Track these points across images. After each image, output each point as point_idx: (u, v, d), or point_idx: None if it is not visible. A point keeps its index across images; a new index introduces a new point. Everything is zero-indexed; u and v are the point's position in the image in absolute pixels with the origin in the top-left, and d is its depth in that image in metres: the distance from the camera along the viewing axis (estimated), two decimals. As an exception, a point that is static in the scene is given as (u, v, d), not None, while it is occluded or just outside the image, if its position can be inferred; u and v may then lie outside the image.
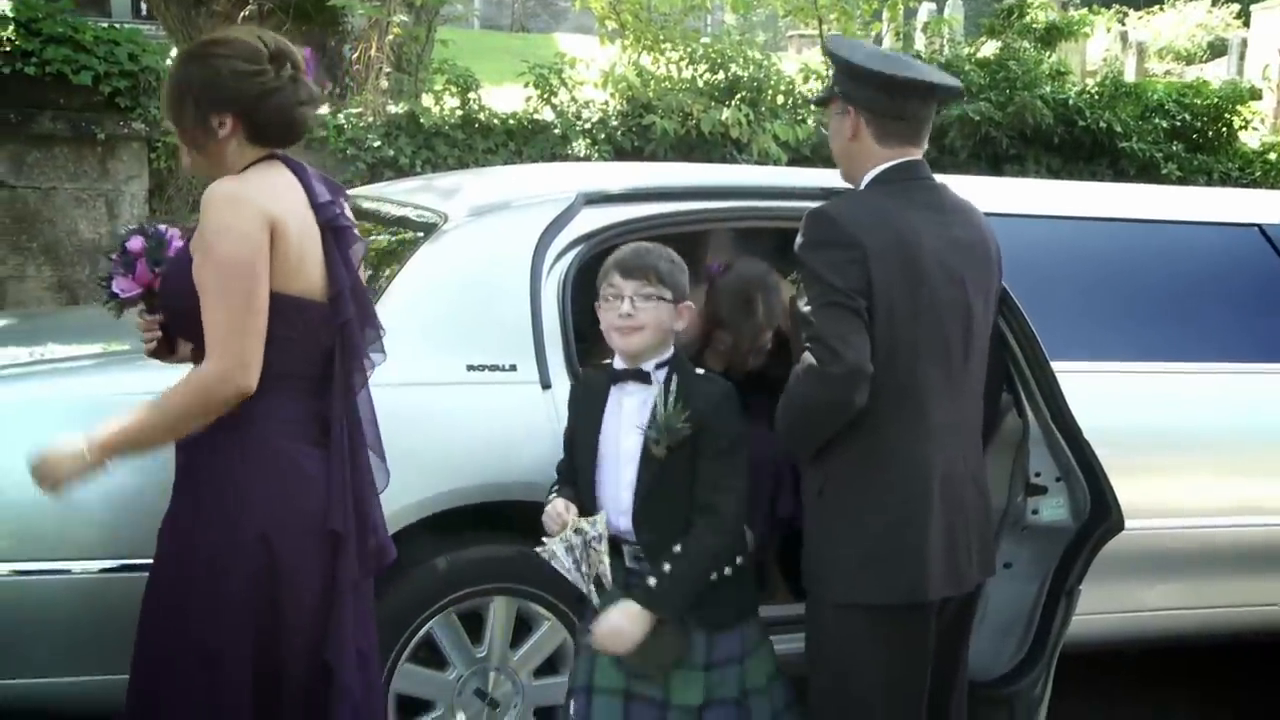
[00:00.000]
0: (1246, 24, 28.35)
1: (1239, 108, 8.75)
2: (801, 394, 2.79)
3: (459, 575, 3.42)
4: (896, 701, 2.94)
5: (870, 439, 2.84)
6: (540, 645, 3.54)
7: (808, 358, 2.76)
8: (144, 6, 18.06)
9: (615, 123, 7.69)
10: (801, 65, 8.56)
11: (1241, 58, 22.74)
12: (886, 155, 2.96)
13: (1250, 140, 8.96)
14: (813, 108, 7.92)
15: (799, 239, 2.88)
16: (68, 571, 3.13)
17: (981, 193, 3.91)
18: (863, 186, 3.01)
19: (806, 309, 2.79)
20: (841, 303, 2.74)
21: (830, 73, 4.05)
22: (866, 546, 2.87)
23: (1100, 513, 3.60)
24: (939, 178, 3.08)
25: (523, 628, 3.52)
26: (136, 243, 2.97)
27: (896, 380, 2.82)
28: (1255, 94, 10.27)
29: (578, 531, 2.94)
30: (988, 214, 3.21)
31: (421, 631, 3.40)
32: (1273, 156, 8.75)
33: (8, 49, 6.44)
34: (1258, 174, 8.52)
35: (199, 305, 2.66)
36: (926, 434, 2.88)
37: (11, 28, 6.48)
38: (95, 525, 3.13)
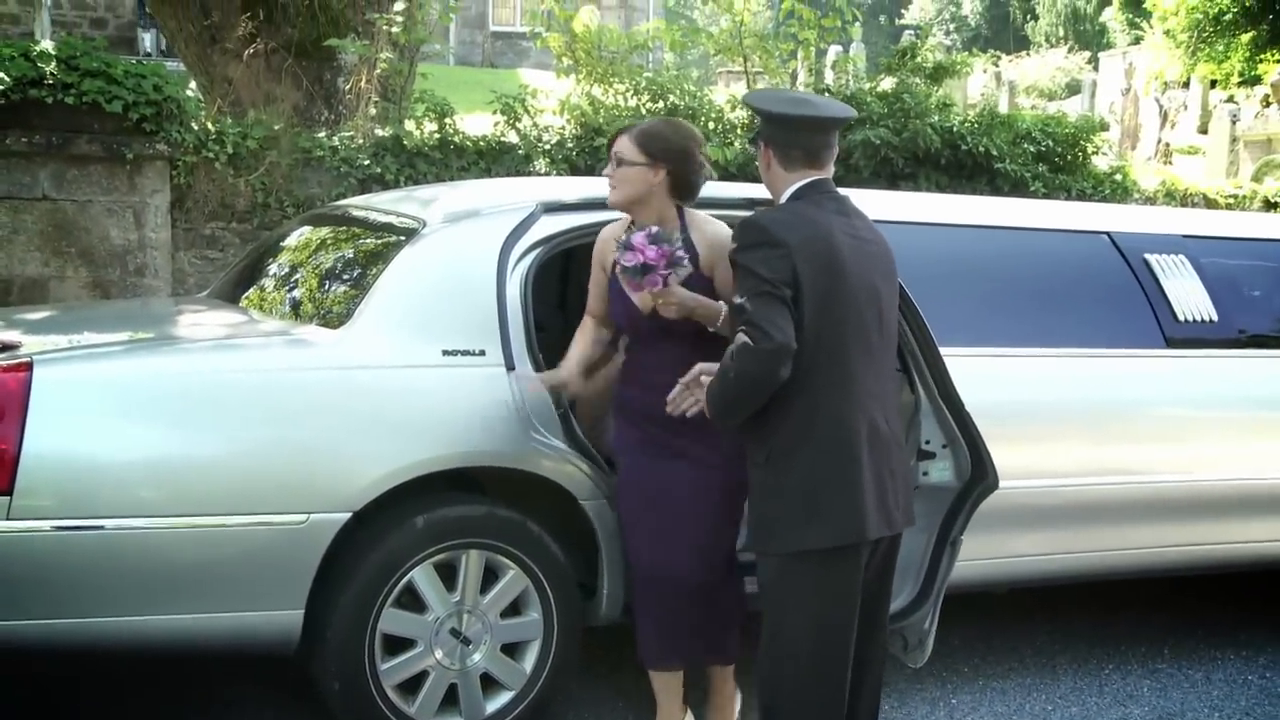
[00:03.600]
0: (1096, 68, 28.72)
1: (1092, 137, 8.87)
2: (736, 368, 2.80)
3: (436, 531, 3.36)
4: (826, 639, 2.92)
5: (807, 408, 2.85)
6: (506, 591, 3.48)
7: (742, 338, 2.78)
8: (165, 45, 17.82)
9: (570, 144, 7.62)
10: (729, 97, 8.50)
11: (1093, 95, 23.07)
12: (794, 178, 3.02)
13: (1100, 163, 9.12)
14: (739, 132, 7.90)
15: (733, 244, 2.92)
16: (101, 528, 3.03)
17: (882, 204, 3.91)
18: (782, 202, 3.05)
19: (742, 300, 2.81)
20: (770, 292, 2.78)
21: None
22: (808, 499, 2.85)
23: (979, 474, 3.61)
24: (843, 190, 3.09)
25: (490, 576, 3.47)
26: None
27: (825, 355, 2.84)
28: (1104, 125, 10.48)
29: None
30: (888, 222, 3.26)
31: (404, 580, 3.34)
32: (1119, 177, 8.91)
33: (50, 81, 6.35)
34: (1107, 191, 8.67)
35: None
36: (854, 400, 2.88)
37: (54, 63, 6.39)
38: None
